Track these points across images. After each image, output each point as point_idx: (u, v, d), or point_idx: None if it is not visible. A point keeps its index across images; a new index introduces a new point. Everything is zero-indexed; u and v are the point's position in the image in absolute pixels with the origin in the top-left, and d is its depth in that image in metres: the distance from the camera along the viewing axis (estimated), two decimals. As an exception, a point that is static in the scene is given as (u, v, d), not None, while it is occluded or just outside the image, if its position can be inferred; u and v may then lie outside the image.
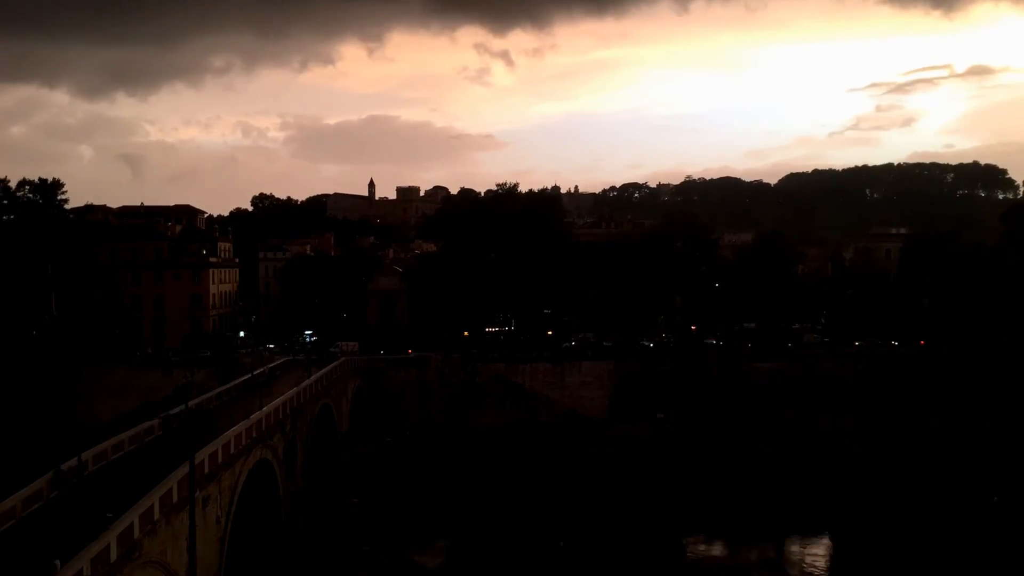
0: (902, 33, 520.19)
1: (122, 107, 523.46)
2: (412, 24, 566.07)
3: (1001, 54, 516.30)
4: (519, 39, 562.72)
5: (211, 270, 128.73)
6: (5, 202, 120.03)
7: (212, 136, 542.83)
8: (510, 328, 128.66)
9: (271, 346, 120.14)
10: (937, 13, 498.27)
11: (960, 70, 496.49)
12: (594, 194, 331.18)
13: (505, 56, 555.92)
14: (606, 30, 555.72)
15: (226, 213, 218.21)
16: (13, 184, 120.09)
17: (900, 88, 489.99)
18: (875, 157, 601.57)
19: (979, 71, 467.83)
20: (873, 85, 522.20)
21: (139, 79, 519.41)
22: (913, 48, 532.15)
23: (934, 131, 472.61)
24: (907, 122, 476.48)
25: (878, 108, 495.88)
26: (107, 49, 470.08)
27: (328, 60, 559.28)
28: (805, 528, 76.63)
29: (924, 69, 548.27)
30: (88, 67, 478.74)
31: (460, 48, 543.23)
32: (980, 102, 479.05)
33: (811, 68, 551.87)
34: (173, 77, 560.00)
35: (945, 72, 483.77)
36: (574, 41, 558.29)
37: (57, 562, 29.29)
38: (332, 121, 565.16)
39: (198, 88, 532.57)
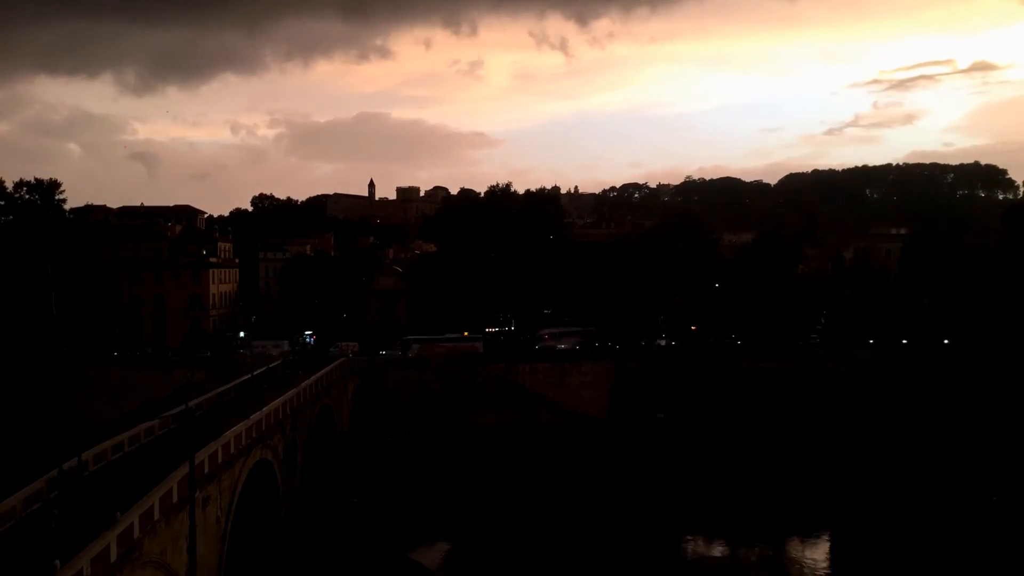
0: (903, 29, 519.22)
1: (173, 99, 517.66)
2: (499, 10, 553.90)
3: (1005, 51, 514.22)
4: (600, 26, 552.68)
5: (211, 270, 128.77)
6: (2, 203, 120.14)
7: (203, 135, 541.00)
8: (510, 328, 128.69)
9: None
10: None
11: (962, 66, 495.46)
12: (594, 194, 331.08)
13: (563, 46, 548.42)
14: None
15: (226, 213, 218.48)
16: (9, 185, 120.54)
17: (901, 85, 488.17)
18: (876, 154, 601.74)
19: (982, 67, 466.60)
20: (875, 82, 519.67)
21: (193, 68, 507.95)
22: (914, 44, 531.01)
23: (935, 129, 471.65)
24: (908, 119, 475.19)
25: (879, 106, 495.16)
26: (161, 34, 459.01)
27: (386, 53, 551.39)
28: (805, 528, 76.65)
29: (925, 64, 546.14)
30: (136, 57, 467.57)
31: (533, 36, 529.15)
32: (983, 99, 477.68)
33: (811, 65, 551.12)
34: (225, 67, 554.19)
35: (947, 68, 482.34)
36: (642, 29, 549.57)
37: (57, 562, 29.31)
38: (323, 119, 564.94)
39: (247, 80, 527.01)
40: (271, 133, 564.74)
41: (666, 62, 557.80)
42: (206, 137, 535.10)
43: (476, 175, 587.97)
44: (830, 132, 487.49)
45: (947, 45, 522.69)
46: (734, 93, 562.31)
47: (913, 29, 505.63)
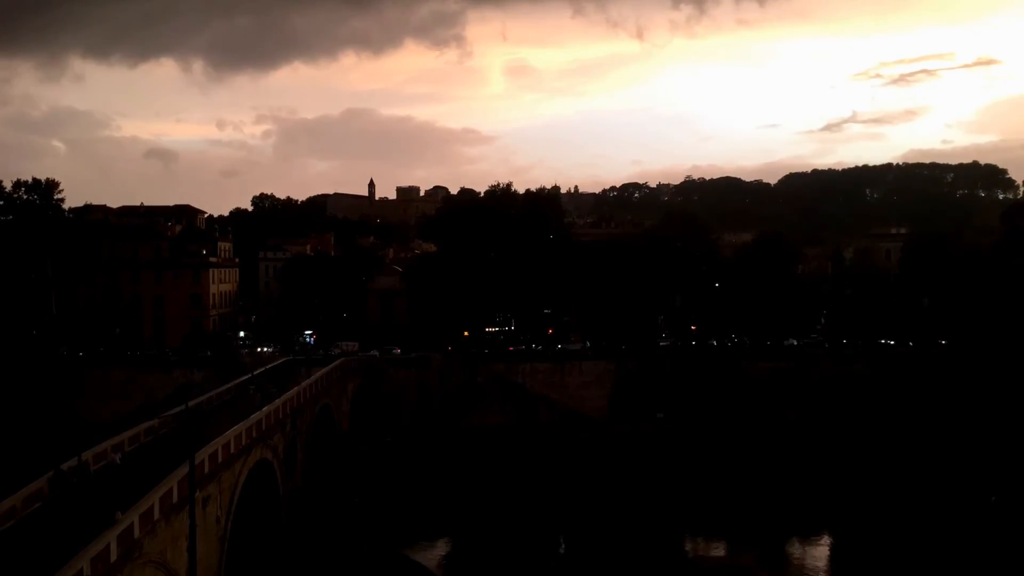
0: (903, 22, 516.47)
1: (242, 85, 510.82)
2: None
3: (1008, 45, 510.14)
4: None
5: (211, 270, 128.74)
6: (1, 203, 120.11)
7: (188, 131, 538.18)
8: (510, 328, 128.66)
9: (267, 349, 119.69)
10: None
11: (964, 60, 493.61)
12: (594, 194, 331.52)
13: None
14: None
15: (226, 213, 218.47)
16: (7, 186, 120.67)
17: (902, 79, 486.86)
18: (876, 151, 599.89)
19: (985, 62, 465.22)
20: (877, 76, 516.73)
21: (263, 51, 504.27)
22: (916, 38, 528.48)
23: (936, 125, 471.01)
24: (909, 116, 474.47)
25: (880, 101, 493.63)
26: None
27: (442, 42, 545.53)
28: (805, 528, 76.65)
29: (927, 58, 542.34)
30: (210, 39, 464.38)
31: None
32: (985, 94, 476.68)
33: (810, 61, 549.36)
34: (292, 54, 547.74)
35: (949, 63, 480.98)
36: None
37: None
38: (313, 115, 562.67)
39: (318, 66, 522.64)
40: (258, 130, 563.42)
41: (666, 60, 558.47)
42: (193, 133, 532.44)
43: (476, 174, 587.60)
44: (829, 128, 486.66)
45: (949, 38, 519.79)
46: (733, 89, 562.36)
47: (914, 22, 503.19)
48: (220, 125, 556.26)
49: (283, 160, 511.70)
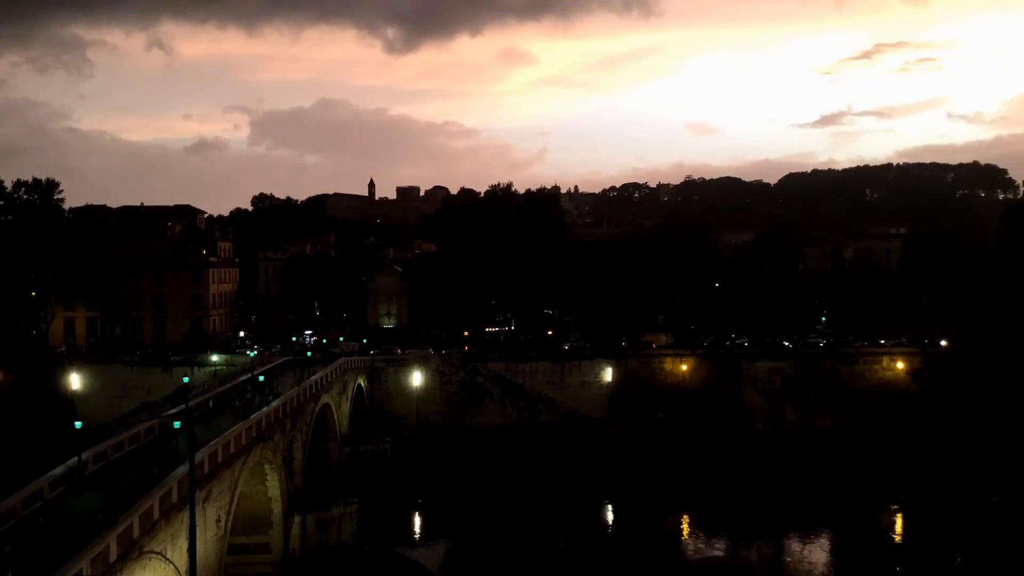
0: (903, 15, 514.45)
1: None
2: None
3: (1012, 37, 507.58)
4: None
5: (211, 270, 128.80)
6: (1, 203, 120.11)
7: (152, 126, 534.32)
8: (510, 328, 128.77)
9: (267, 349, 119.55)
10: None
11: (966, 52, 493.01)
12: (594, 194, 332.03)
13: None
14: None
15: (226, 213, 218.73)
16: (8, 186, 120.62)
17: (905, 69, 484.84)
18: (879, 147, 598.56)
19: (992, 53, 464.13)
20: (880, 67, 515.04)
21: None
22: (916, 33, 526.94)
23: (940, 119, 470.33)
24: (911, 110, 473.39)
25: (880, 95, 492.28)
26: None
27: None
28: (805, 527, 76.62)
29: (929, 46, 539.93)
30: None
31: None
32: (987, 90, 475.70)
33: (808, 56, 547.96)
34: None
35: (953, 53, 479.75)
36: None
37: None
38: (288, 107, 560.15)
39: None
40: (229, 124, 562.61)
41: (665, 58, 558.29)
42: (155, 128, 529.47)
43: (475, 172, 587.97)
44: (824, 120, 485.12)
45: (951, 30, 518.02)
46: (732, 91, 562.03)
47: (914, 17, 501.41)
48: (185, 119, 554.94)
49: (260, 152, 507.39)
